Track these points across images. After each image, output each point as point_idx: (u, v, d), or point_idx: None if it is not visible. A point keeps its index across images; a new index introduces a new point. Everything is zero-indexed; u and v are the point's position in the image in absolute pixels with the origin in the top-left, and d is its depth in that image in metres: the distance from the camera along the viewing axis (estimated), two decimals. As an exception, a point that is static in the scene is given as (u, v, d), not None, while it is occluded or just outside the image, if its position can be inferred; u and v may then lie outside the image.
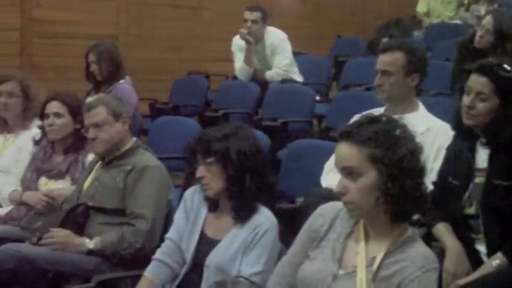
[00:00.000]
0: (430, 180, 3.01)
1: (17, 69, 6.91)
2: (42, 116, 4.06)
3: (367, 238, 2.31)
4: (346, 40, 9.24)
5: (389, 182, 2.20)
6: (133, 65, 6.11)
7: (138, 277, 3.11)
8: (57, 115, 3.99)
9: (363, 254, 2.28)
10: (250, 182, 2.90)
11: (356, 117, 2.47)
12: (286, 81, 6.78)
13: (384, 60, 3.64)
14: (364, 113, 2.96)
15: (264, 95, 6.46)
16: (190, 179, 3.41)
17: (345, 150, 2.24)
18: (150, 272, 3.05)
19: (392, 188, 2.20)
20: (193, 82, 7.51)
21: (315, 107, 6.24)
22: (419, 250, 2.25)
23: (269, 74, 6.85)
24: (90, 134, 3.60)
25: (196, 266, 2.96)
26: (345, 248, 2.33)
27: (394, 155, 2.20)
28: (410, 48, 3.66)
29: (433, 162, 3.31)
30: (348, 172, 2.23)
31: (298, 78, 6.96)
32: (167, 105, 6.93)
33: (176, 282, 3.02)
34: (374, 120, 2.27)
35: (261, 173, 2.95)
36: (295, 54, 7.15)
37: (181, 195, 3.44)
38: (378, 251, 2.26)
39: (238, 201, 2.92)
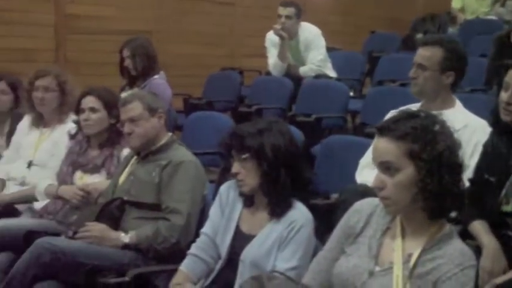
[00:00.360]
0: (466, 177, 2.98)
1: (52, 64, 6.97)
2: (78, 110, 4.08)
3: (403, 235, 2.30)
4: (380, 36, 9.20)
5: (427, 178, 2.18)
6: (167, 61, 6.13)
7: (173, 271, 3.13)
8: (93, 110, 4.01)
9: (400, 251, 2.26)
10: (285, 177, 2.89)
11: (392, 113, 2.45)
12: (319, 76, 6.76)
13: (421, 53, 3.62)
14: (401, 108, 2.96)
15: (298, 90, 6.44)
16: (225, 175, 3.42)
17: (383, 146, 2.23)
18: (186, 266, 3.07)
19: (430, 184, 2.18)
20: (227, 77, 7.53)
21: (349, 103, 6.21)
22: (457, 247, 2.23)
23: (303, 70, 6.84)
24: (126, 128, 3.61)
25: (231, 261, 2.97)
26: (381, 245, 2.32)
27: (433, 150, 2.18)
28: (450, 45, 3.62)
29: (469, 159, 3.26)
30: (386, 167, 2.22)
31: (332, 73, 6.94)
32: (201, 101, 6.95)
33: (211, 278, 3.03)
34: (412, 115, 2.26)
35: (295, 169, 2.94)
36: (329, 49, 7.14)
37: (215, 191, 3.45)
38: (415, 247, 2.24)
39: (274, 197, 2.91)
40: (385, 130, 2.23)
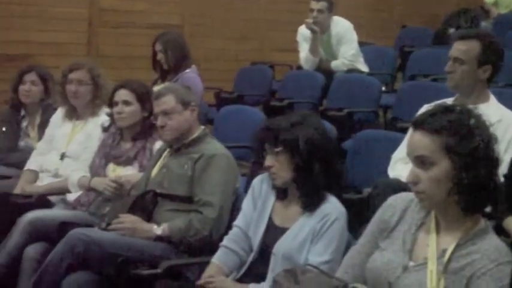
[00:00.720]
0: (501, 173, 2.95)
1: (85, 58, 7.02)
2: (111, 103, 4.11)
3: (438, 229, 2.28)
4: (412, 30, 9.13)
5: (462, 172, 2.16)
6: (198, 55, 6.14)
7: (205, 264, 3.14)
8: (126, 103, 4.03)
9: (434, 246, 2.25)
10: (318, 171, 2.89)
11: (425, 108, 2.44)
12: (351, 71, 6.73)
13: (458, 47, 3.59)
14: (436, 102, 2.94)
15: (329, 85, 6.42)
16: (257, 168, 3.42)
17: (418, 139, 2.21)
18: (218, 258, 3.08)
19: (465, 178, 2.16)
20: (258, 72, 7.52)
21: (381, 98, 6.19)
22: (492, 243, 2.21)
23: (334, 64, 6.81)
24: (159, 121, 3.62)
25: (263, 254, 2.98)
26: (416, 240, 2.30)
27: (468, 144, 2.16)
28: (488, 39, 3.60)
29: (504, 153, 3.24)
30: (421, 161, 2.21)
31: (364, 68, 6.91)
32: (232, 95, 6.95)
33: (243, 270, 3.03)
34: (448, 109, 2.24)
35: (329, 162, 2.93)
36: (361, 44, 7.10)
37: (247, 184, 3.46)
38: (449, 242, 2.23)
39: (307, 190, 2.91)
40: (420, 124, 2.22)
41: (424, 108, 2.46)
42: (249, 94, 6.97)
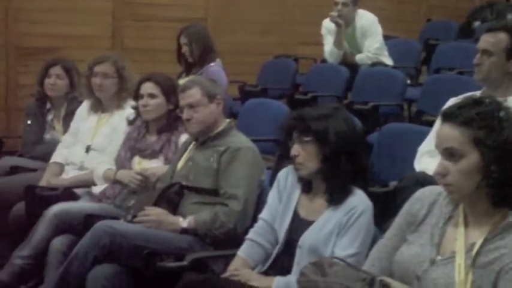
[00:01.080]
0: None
1: (110, 51, 7.05)
2: (137, 96, 4.11)
3: (466, 223, 2.26)
4: (437, 23, 9.08)
5: (491, 165, 2.15)
6: (222, 48, 6.14)
7: (230, 257, 3.15)
8: (151, 96, 4.04)
9: (462, 240, 2.23)
10: (346, 164, 2.89)
11: (452, 101, 2.42)
12: (376, 64, 6.70)
13: (486, 39, 3.57)
14: (466, 94, 2.92)
15: (354, 78, 6.40)
16: (281, 161, 3.42)
17: (447, 132, 2.20)
18: (243, 251, 3.08)
19: (495, 171, 2.15)
20: (282, 65, 7.51)
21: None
22: (521, 237, 2.20)
23: (359, 57, 6.78)
24: (185, 114, 3.63)
25: (289, 247, 2.97)
26: (444, 233, 2.29)
27: (498, 137, 2.14)
28: None
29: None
30: (449, 154, 2.19)
31: (388, 61, 6.87)
32: (256, 88, 6.95)
33: (268, 263, 3.03)
34: (477, 101, 2.22)
35: (356, 155, 2.93)
36: (385, 37, 7.07)
37: (272, 177, 3.45)
38: (477, 236, 2.21)
39: (333, 183, 2.91)
40: (449, 116, 2.21)
41: (451, 102, 2.44)
42: (273, 87, 6.96)
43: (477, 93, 3.50)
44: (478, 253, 2.19)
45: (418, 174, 3.46)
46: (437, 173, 2.23)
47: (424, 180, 3.13)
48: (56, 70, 5.04)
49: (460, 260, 2.20)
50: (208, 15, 8.14)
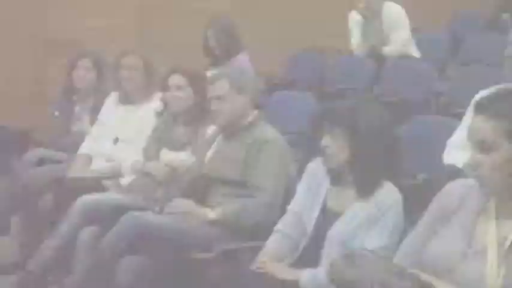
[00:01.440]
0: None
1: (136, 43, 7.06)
2: (164, 88, 4.12)
3: (498, 216, 2.24)
4: (465, 15, 9.01)
5: (524, 158, 2.13)
6: (248, 40, 6.12)
7: (258, 248, 3.14)
8: (179, 87, 4.05)
9: (494, 233, 2.21)
10: (376, 155, 2.87)
11: (481, 93, 2.39)
12: (403, 56, 6.66)
13: None
14: (500, 86, 2.88)
15: (381, 70, 6.37)
16: (310, 153, 3.40)
17: (480, 124, 2.17)
18: (272, 243, 3.08)
19: (528, 164, 2.13)
20: (309, 57, 7.48)
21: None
22: (552, 232, 2.17)
23: (386, 50, 6.74)
24: (213, 106, 3.63)
25: (317, 238, 2.96)
26: (475, 227, 2.26)
27: (532, 129, 2.12)
28: None
29: None
30: (482, 146, 2.16)
31: (416, 54, 6.82)
32: (283, 80, 6.93)
33: (296, 255, 3.03)
34: (511, 93, 2.20)
35: (386, 148, 2.91)
36: (413, 29, 7.02)
37: (300, 169, 3.44)
38: (510, 230, 2.18)
39: (362, 175, 2.90)
40: (482, 108, 2.18)
41: (481, 95, 2.41)
42: (300, 80, 6.94)
43: (510, 85, 3.47)
44: (510, 247, 2.16)
45: (448, 167, 3.43)
46: (469, 165, 2.20)
47: (454, 173, 3.11)
48: (85, 62, 5.07)
49: (492, 254, 2.18)
50: (234, 7, 8.12)
